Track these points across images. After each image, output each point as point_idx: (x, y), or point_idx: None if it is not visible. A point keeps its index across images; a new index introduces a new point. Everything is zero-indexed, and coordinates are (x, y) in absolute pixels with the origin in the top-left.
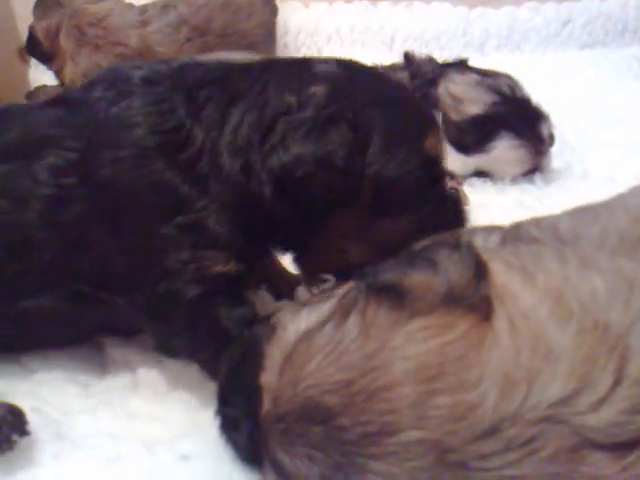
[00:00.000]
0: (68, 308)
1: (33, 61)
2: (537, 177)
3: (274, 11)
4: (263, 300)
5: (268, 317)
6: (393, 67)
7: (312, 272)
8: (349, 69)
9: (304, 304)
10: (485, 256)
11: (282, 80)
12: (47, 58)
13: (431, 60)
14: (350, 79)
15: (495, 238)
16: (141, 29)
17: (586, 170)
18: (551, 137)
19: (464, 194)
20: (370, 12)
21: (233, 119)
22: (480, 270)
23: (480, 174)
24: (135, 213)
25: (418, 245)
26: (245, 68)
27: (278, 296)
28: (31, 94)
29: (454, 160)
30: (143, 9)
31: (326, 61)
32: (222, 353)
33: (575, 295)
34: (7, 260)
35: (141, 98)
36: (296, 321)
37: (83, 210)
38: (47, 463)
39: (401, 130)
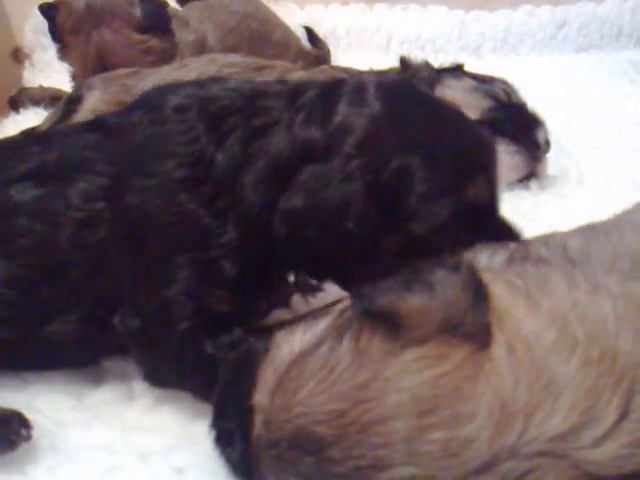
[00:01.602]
0: (82, 331)
1: (27, 62)
2: (533, 183)
3: None
4: None
5: (264, 331)
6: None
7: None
8: (393, 101)
9: (300, 318)
10: (487, 277)
11: (312, 114)
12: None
13: (427, 65)
14: (392, 117)
15: (500, 258)
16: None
17: (582, 176)
18: (547, 143)
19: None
20: (366, 14)
21: (257, 154)
22: (480, 294)
23: None
24: (154, 240)
25: (418, 263)
26: (274, 94)
27: (275, 304)
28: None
29: None
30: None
31: (364, 88)
32: (208, 380)
33: (582, 322)
34: (40, 283)
35: (172, 127)
36: (290, 340)
37: (107, 233)
38: (42, 476)
39: (442, 180)
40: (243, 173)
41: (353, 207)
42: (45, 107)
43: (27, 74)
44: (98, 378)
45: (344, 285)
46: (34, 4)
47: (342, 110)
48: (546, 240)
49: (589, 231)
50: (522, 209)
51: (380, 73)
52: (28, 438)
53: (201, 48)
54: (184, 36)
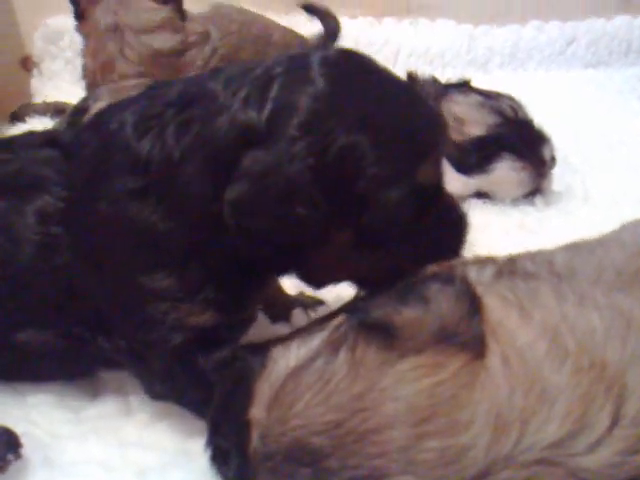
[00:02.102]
0: (66, 345)
1: (35, 71)
2: (538, 199)
3: None
4: (259, 323)
5: (261, 347)
6: None
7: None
8: (338, 77)
9: (295, 333)
10: (479, 290)
11: (250, 95)
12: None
13: (434, 80)
14: (337, 94)
15: (489, 272)
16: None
17: (587, 192)
18: (552, 159)
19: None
20: (374, 28)
21: (193, 145)
22: (474, 305)
23: (480, 195)
24: (114, 263)
25: (414, 277)
26: (213, 81)
27: (275, 318)
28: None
29: (455, 180)
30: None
31: (307, 65)
32: (203, 396)
33: (572, 333)
34: (6, 294)
35: (113, 144)
36: (286, 355)
37: (70, 258)
38: None
39: (394, 162)
40: (182, 167)
41: (300, 190)
42: (51, 117)
43: (35, 82)
44: (94, 391)
45: (305, 278)
46: (44, 13)
47: (283, 89)
48: (532, 256)
49: (573, 248)
50: (527, 225)
51: (325, 47)
52: (17, 459)
53: (206, 42)
54: (190, 29)
